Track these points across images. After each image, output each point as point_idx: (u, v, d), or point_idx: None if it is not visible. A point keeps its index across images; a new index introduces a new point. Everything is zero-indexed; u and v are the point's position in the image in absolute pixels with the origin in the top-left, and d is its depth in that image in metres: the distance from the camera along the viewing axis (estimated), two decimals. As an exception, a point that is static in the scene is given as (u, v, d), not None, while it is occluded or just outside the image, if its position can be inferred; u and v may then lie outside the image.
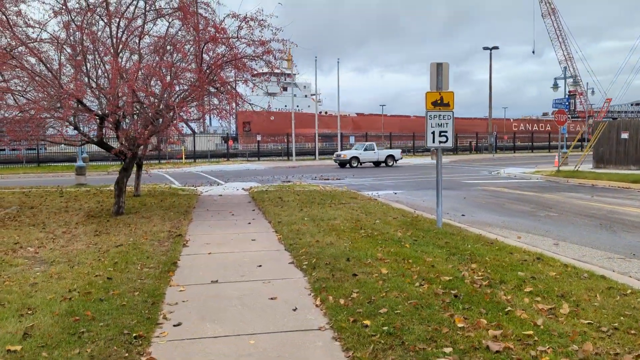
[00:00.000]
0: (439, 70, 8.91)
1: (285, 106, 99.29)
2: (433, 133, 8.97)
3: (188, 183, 22.59)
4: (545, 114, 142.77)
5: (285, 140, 47.01)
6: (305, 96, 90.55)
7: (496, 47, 52.46)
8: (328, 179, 24.35)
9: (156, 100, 11.04)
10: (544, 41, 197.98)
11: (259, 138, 44.61)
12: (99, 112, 10.70)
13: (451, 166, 35.20)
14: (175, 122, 10.05)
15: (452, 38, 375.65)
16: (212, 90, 11.84)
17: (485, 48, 52.47)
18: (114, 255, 7.23)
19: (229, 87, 11.80)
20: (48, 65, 10.62)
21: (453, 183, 21.51)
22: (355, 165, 33.74)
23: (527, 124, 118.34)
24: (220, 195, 15.88)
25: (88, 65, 10.92)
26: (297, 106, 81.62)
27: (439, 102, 8.92)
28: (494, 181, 22.51)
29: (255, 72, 12.19)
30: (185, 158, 42.84)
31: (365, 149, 34.91)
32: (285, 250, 7.73)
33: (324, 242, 7.88)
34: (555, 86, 42.01)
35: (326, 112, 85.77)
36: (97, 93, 10.70)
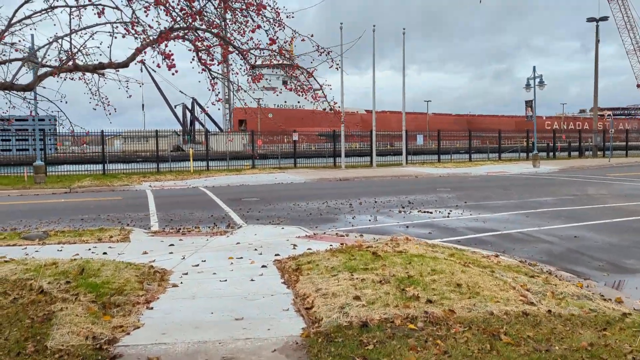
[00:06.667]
0: None
1: (285, 102, 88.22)
2: None
3: (172, 222, 11.78)
4: (582, 111, 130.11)
5: (327, 141, 35.84)
6: None
7: (604, 18, 39.87)
8: (428, 211, 13.19)
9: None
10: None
11: (295, 137, 33.17)
12: None
13: (580, 178, 23.27)
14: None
15: (493, 35, 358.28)
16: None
17: (590, 19, 39.86)
18: None
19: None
20: None
21: None
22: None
23: (563, 123, 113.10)
24: (204, 341, 4.51)
25: None
26: (298, 102, 72.60)
27: None
28: None
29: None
30: (195, 161, 31.54)
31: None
32: None
33: None
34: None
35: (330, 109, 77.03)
36: None
